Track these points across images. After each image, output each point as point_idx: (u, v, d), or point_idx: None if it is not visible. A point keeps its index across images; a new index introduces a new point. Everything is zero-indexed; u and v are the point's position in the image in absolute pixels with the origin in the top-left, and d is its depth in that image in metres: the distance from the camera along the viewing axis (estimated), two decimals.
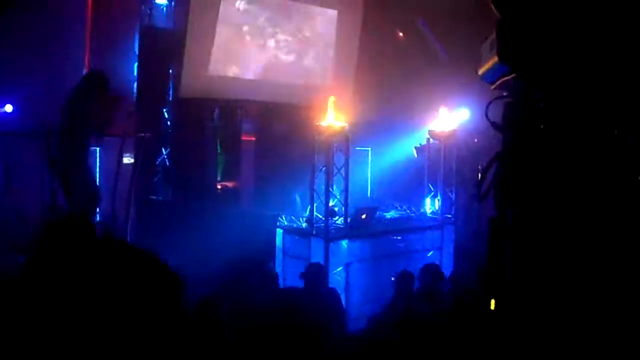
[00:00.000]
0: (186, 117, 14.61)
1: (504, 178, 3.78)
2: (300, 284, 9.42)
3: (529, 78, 3.81)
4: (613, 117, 3.84)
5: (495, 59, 3.82)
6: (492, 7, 3.84)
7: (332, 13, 16.30)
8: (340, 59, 16.60)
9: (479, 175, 13.42)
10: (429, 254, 12.57)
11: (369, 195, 14.71)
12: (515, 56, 3.70)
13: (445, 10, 14.49)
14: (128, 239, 10.40)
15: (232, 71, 14.97)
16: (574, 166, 3.78)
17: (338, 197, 12.04)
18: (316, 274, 9.46)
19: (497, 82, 4.09)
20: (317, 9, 16.02)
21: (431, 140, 13.57)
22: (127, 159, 12.63)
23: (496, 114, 4.03)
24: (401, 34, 17.34)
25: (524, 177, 3.77)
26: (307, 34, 16.00)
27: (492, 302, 4.15)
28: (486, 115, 3.91)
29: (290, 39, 15.72)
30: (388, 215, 13.47)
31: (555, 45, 3.68)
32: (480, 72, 4.30)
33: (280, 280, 11.42)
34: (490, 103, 3.93)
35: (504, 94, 4.03)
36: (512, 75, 3.84)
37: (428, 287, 9.31)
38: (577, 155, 3.83)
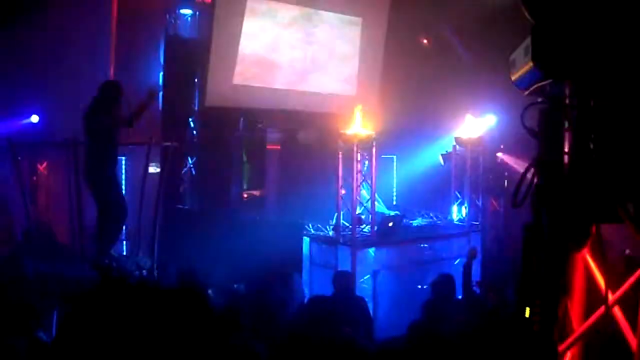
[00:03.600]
0: (212, 126, 14.63)
1: (541, 184, 3.75)
2: (327, 291, 9.40)
3: (564, 83, 3.79)
4: None
5: (530, 64, 3.80)
6: (526, 13, 3.82)
7: (357, 21, 16.29)
8: (365, 66, 16.58)
9: (505, 182, 13.28)
10: (456, 262, 12.48)
11: (395, 203, 14.64)
12: (550, 61, 3.68)
13: (470, 16, 14.44)
14: (156, 249, 10.39)
15: (257, 80, 14.99)
16: (610, 171, 3.75)
17: (365, 204, 12.02)
18: (343, 282, 9.44)
19: (532, 88, 4.07)
20: (343, 17, 16.01)
21: (457, 147, 13.51)
22: (153, 168, 12.69)
23: (530, 120, 4.01)
24: (425, 41, 17.31)
25: (561, 183, 3.74)
26: (332, 42, 15.99)
27: (527, 309, 4.12)
28: (522, 122, 3.89)
29: (315, 47, 15.72)
30: (415, 223, 13.42)
31: (591, 49, 3.66)
32: (514, 78, 4.28)
33: (308, 288, 11.43)
34: (526, 109, 3.91)
35: (539, 100, 4.00)
36: (548, 81, 3.82)
37: (442, 298, 9.23)
38: (614, 160, 3.80)
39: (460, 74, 15.49)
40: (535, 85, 3.98)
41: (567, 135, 3.83)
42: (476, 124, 13.61)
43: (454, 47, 15.83)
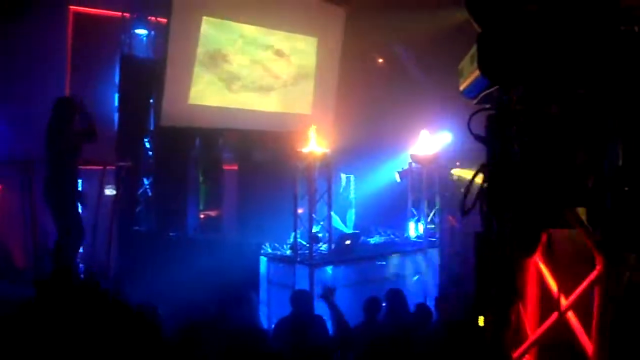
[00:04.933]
0: (168, 147, 14.49)
1: (489, 189, 3.77)
2: (286, 311, 9.33)
3: (511, 89, 3.82)
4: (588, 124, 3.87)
5: (476, 72, 3.83)
6: (472, 20, 3.85)
7: (312, 41, 16.34)
8: (321, 85, 16.60)
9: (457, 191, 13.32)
10: (414, 278, 12.52)
11: (352, 221, 14.64)
12: (496, 68, 3.71)
13: (422, 35, 14.57)
14: (111, 271, 10.27)
15: (213, 100, 14.93)
16: (554, 173, 3.78)
17: (322, 223, 12.01)
18: (302, 301, 9.37)
19: (479, 96, 4.10)
20: (298, 37, 16.04)
21: (413, 164, 13.57)
22: (109, 190, 12.54)
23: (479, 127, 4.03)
24: (380, 60, 17.41)
25: (508, 187, 3.76)
26: (287, 61, 16.02)
27: (481, 318, 4.13)
28: (469, 128, 3.91)
29: (270, 67, 15.72)
30: (372, 240, 13.44)
31: (535, 55, 3.69)
32: (462, 87, 4.31)
33: (266, 308, 11.35)
34: (472, 115, 3.93)
35: (486, 106, 4.03)
36: (494, 88, 3.85)
37: (393, 312, 9.25)
38: (562, 165, 3.83)
39: (415, 91, 15.61)
40: (483, 93, 4.00)
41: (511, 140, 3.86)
42: (432, 141, 13.69)
43: (408, 66, 15.94)
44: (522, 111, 3.85)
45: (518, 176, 3.80)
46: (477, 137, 3.88)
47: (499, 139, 3.81)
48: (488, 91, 3.93)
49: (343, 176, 14.65)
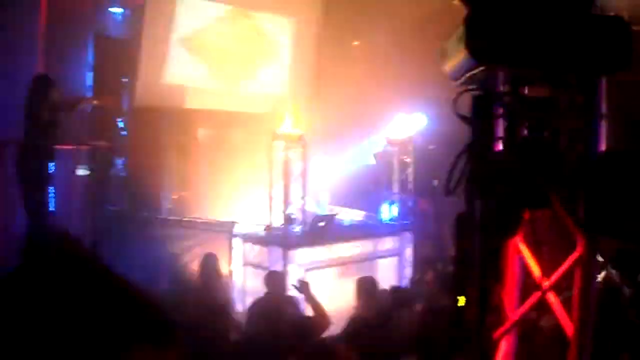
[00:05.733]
0: (142, 127, 14.38)
1: (472, 169, 3.77)
2: (260, 292, 9.33)
3: (497, 71, 3.82)
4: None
5: (463, 53, 3.81)
6: (460, 1, 3.84)
7: (290, 21, 16.27)
8: (298, 66, 16.54)
9: (435, 181, 13.42)
10: (387, 260, 12.55)
11: (327, 202, 14.63)
12: (483, 48, 3.70)
13: (401, 17, 14.54)
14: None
15: (188, 80, 14.83)
16: (542, 157, 3.80)
17: (297, 204, 12.01)
18: (275, 282, 9.38)
19: (464, 77, 4.09)
20: (274, 17, 15.96)
21: (388, 147, 13.59)
22: (82, 171, 12.44)
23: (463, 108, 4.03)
24: (357, 42, 17.36)
25: (492, 168, 3.77)
26: (265, 42, 15.93)
27: (461, 298, 4.14)
28: (453, 108, 3.90)
29: (247, 47, 15.62)
30: (346, 222, 13.46)
31: (524, 36, 3.69)
32: (447, 67, 4.29)
33: (240, 288, 11.35)
34: (458, 96, 3.93)
35: (471, 87, 4.02)
36: (480, 69, 3.84)
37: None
38: (545, 147, 3.85)
39: (391, 75, 15.57)
40: (468, 74, 3.99)
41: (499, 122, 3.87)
42: (407, 124, 13.71)
43: (385, 49, 15.89)
44: (508, 92, 3.86)
45: (501, 157, 3.82)
46: (462, 118, 3.87)
47: (483, 119, 3.81)
48: (473, 72, 3.92)
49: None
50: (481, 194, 3.80)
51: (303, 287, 8.62)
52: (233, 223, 12.09)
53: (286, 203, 11.63)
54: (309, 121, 13.03)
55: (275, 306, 8.68)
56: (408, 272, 12.59)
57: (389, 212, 13.72)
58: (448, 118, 3.98)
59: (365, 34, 16.80)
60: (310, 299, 8.42)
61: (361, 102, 15.48)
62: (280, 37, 16.24)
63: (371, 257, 12.38)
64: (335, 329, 8.08)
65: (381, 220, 13.68)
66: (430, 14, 12.96)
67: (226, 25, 15.24)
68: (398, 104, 13.97)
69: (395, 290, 9.59)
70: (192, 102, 14.98)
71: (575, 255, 3.87)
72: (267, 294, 9.10)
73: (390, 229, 13.25)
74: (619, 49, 3.71)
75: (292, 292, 9.28)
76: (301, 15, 16.41)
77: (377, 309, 8.51)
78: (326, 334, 7.73)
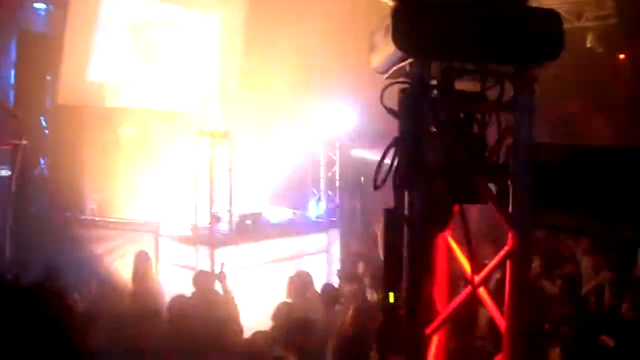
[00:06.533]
0: (64, 125, 14.00)
1: (400, 163, 3.72)
2: (187, 292, 9.18)
3: (424, 63, 3.77)
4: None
5: (389, 46, 3.75)
6: None
7: (215, 17, 16.08)
8: (224, 63, 16.37)
9: (362, 178, 13.44)
10: (315, 257, 12.51)
11: (254, 200, 14.50)
12: (410, 41, 3.65)
13: (329, 13, 14.49)
14: (7, 254, 9.88)
15: (112, 77, 14.52)
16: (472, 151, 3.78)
17: (223, 202, 11.85)
18: (203, 282, 9.27)
19: (392, 70, 4.04)
20: (199, 12, 15.75)
21: (315, 143, 13.56)
22: (3, 171, 12.09)
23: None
24: (287, 38, 17.25)
25: (420, 162, 3.72)
26: (189, 38, 15.70)
27: (391, 294, 4.08)
28: (381, 101, 3.86)
29: (171, 43, 15.38)
30: (273, 220, 13.36)
31: (449, 29, 3.66)
32: (373, 62, 4.24)
33: (166, 289, 11.16)
34: (385, 88, 3.88)
35: (399, 80, 3.98)
36: (408, 62, 3.79)
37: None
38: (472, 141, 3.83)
39: (319, 71, 15.53)
40: (396, 67, 3.94)
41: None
42: (334, 121, 13.66)
43: (314, 45, 15.83)
44: (436, 85, 3.82)
45: (430, 151, 3.77)
46: (390, 111, 3.83)
47: (411, 113, 3.76)
48: (400, 65, 3.87)
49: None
50: (409, 188, 3.76)
51: (221, 277, 8.72)
52: (158, 223, 11.89)
53: (212, 201, 11.46)
54: (235, 118, 12.88)
55: (193, 306, 8.59)
56: (336, 268, 12.57)
57: (316, 209, 13.69)
58: (375, 116, 3.93)
59: (292, 30, 16.72)
60: (225, 292, 8.52)
61: (289, 100, 15.39)
62: (205, 32, 16.04)
63: (299, 254, 12.32)
64: (264, 327, 8.03)
65: (309, 217, 13.64)
66: (358, 8, 12.97)
67: (151, 22, 14.98)
68: (326, 101, 13.90)
69: (327, 287, 9.55)
70: (115, 100, 14.68)
71: (505, 250, 3.85)
72: (194, 292, 9.00)
73: (317, 226, 13.22)
74: (550, 40, 3.72)
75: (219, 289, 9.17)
76: (227, 12, 16.24)
77: (309, 307, 8.51)
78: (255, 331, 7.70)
